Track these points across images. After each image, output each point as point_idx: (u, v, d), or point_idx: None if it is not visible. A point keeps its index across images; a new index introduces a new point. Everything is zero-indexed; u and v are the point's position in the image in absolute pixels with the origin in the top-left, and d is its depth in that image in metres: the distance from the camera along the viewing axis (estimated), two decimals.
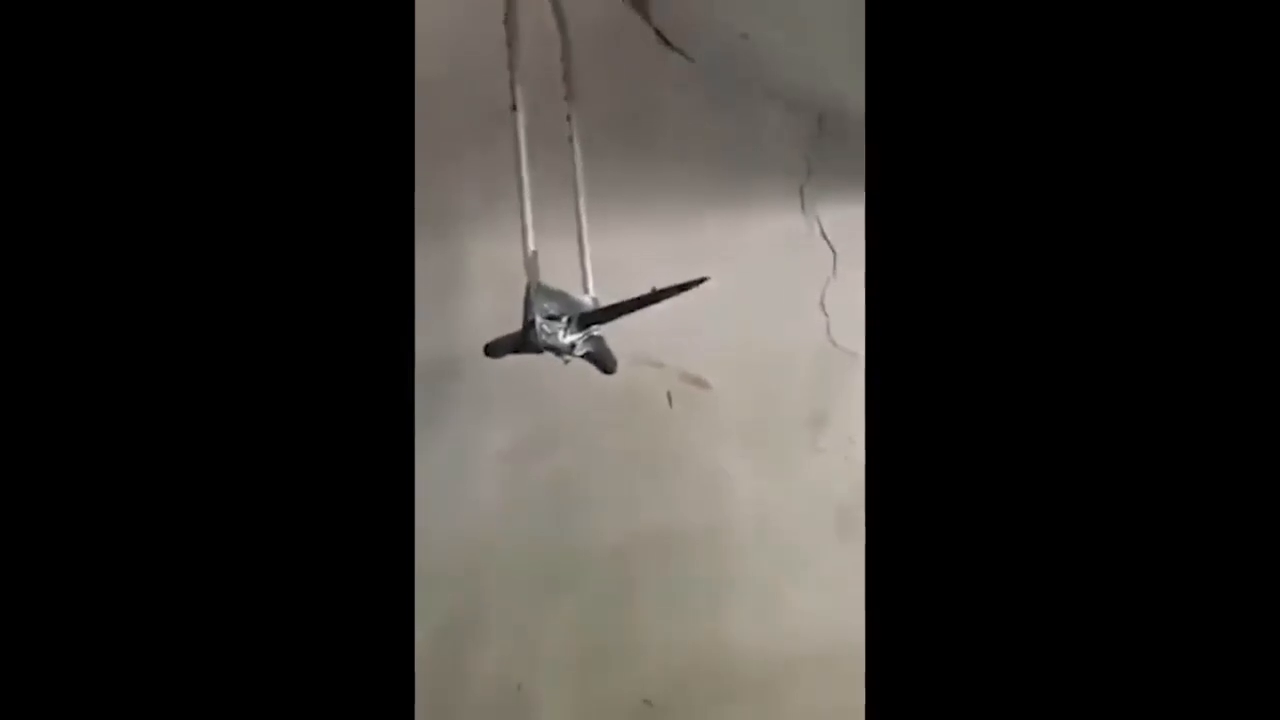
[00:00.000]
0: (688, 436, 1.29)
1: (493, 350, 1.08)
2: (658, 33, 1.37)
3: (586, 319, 1.05)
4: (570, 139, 1.16)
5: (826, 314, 1.27)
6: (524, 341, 1.02)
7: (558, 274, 1.08)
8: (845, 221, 1.26)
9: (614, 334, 1.09)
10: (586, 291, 1.10)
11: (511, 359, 1.08)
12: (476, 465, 1.31)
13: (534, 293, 1.03)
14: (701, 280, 0.99)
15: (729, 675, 1.28)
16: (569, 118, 1.17)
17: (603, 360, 1.08)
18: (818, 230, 1.28)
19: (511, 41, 1.09)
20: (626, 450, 1.30)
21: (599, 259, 1.13)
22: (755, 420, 1.28)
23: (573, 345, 1.04)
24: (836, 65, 1.06)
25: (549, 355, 1.05)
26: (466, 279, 1.36)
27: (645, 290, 1.04)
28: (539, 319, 1.01)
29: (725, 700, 1.27)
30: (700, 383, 1.28)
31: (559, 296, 1.06)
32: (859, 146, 1.21)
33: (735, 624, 1.27)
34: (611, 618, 1.30)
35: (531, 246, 1.04)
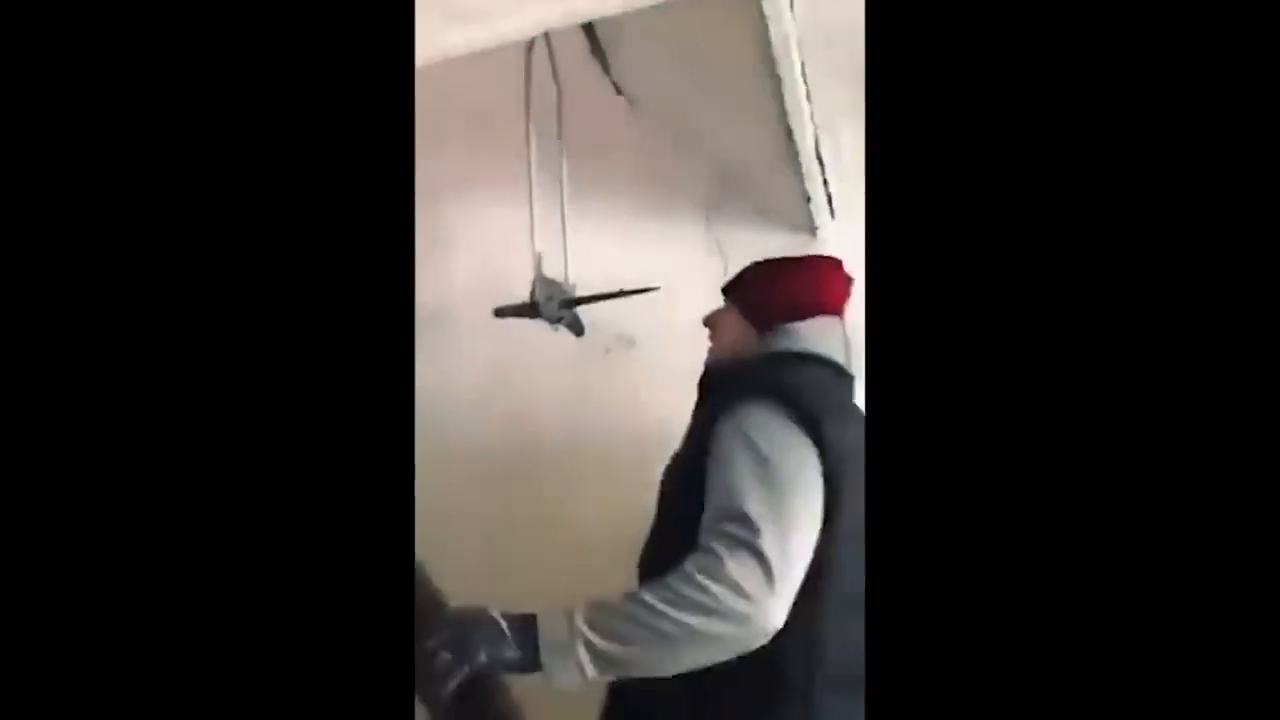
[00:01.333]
0: (615, 378, 1.81)
1: (501, 313, 1.56)
2: (613, 84, 1.85)
3: (569, 301, 1.46)
4: (561, 166, 1.56)
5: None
6: (530, 311, 1.45)
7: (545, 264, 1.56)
8: (740, 240, 1.70)
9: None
10: (567, 279, 1.51)
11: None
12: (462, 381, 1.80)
13: (537, 280, 1.48)
14: (652, 289, 1.48)
15: None
16: (561, 152, 1.61)
17: (576, 327, 1.50)
18: (717, 247, 1.72)
19: (527, 96, 1.47)
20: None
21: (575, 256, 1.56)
22: (663, 368, 1.73)
23: (561, 318, 1.46)
24: (739, 119, 1.51)
25: (539, 321, 1.55)
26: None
27: (610, 288, 1.49)
28: (541, 298, 1.47)
29: None
30: (630, 342, 1.81)
31: (552, 284, 1.47)
32: (755, 185, 1.71)
33: None
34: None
35: (537, 248, 1.48)
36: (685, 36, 1.28)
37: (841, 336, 1.31)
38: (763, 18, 1.07)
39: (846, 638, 1.07)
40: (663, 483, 1.27)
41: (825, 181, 1.54)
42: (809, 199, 1.56)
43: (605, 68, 1.81)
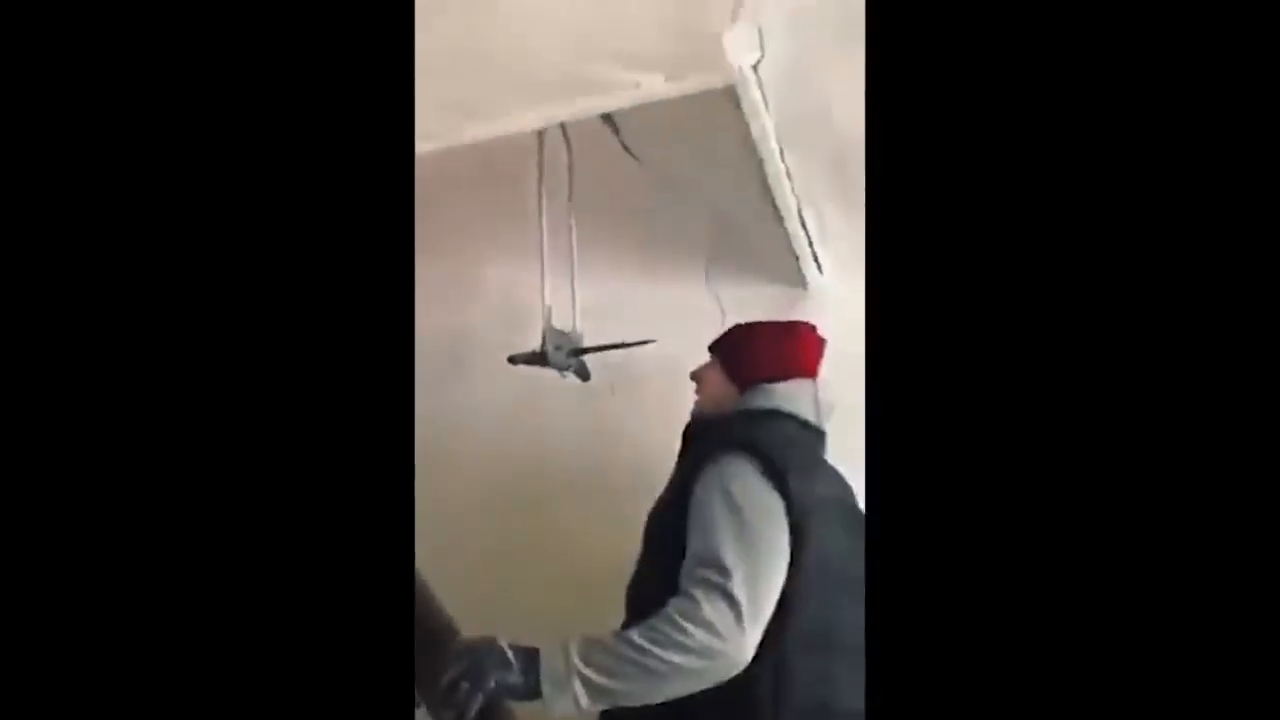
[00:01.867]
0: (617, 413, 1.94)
1: (513, 360, 1.70)
2: (623, 145, 2.00)
3: (576, 350, 1.58)
4: (570, 228, 1.68)
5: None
6: (540, 360, 1.55)
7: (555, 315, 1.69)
8: (736, 294, 1.82)
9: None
10: (575, 330, 1.63)
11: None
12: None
13: (548, 330, 1.57)
14: (649, 341, 1.61)
15: None
16: (570, 210, 1.70)
17: (582, 373, 1.61)
18: (715, 299, 1.84)
19: (540, 158, 1.59)
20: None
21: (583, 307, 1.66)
22: (659, 408, 1.82)
23: (569, 365, 1.58)
24: (732, 189, 1.66)
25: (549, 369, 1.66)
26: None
27: (616, 338, 1.61)
28: (550, 348, 1.57)
29: None
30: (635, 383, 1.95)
31: (560, 334, 1.58)
32: (750, 245, 1.83)
33: None
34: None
35: (547, 301, 1.59)
36: (684, 118, 1.42)
37: (813, 397, 1.43)
38: (740, 111, 1.22)
39: (810, 666, 1.22)
40: (648, 524, 1.40)
41: (810, 243, 1.68)
42: (798, 258, 1.71)
43: (615, 129, 1.96)
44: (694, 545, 1.21)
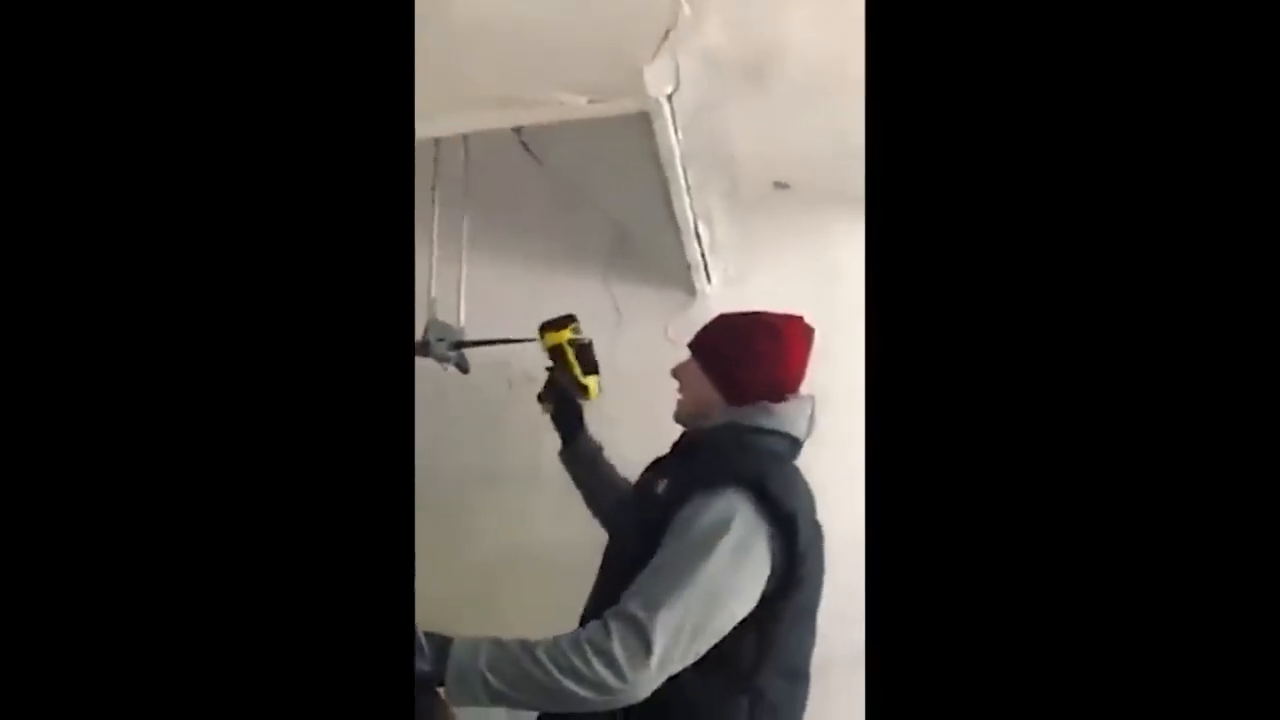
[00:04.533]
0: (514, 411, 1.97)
1: None
2: (523, 144, 2.05)
3: (458, 344, 1.55)
4: (462, 222, 1.65)
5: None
6: (420, 350, 1.50)
7: (440, 308, 1.66)
8: (632, 295, 1.93)
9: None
10: (460, 323, 1.60)
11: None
12: None
13: (431, 322, 1.53)
14: (531, 339, 1.59)
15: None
16: (465, 203, 1.72)
17: (463, 366, 1.57)
18: (611, 300, 1.93)
19: (436, 149, 1.57)
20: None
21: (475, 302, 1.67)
22: None
23: (449, 358, 1.53)
24: (633, 199, 1.76)
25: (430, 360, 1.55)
26: None
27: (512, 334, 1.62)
28: (432, 339, 1.51)
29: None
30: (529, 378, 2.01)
31: (444, 327, 1.54)
32: (647, 248, 1.91)
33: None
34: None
35: (433, 293, 1.56)
36: (592, 133, 1.49)
37: (810, 415, 1.34)
38: (652, 134, 1.31)
39: (783, 693, 1.23)
40: (619, 523, 1.36)
41: (702, 254, 1.80)
42: (690, 266, 1.83)
43: (518, 129, 2.01)
44: (646, 574, 1.14)
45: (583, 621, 1.25)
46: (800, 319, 1.37)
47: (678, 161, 1.39)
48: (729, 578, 1.13)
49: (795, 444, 1.33)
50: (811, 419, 1.34)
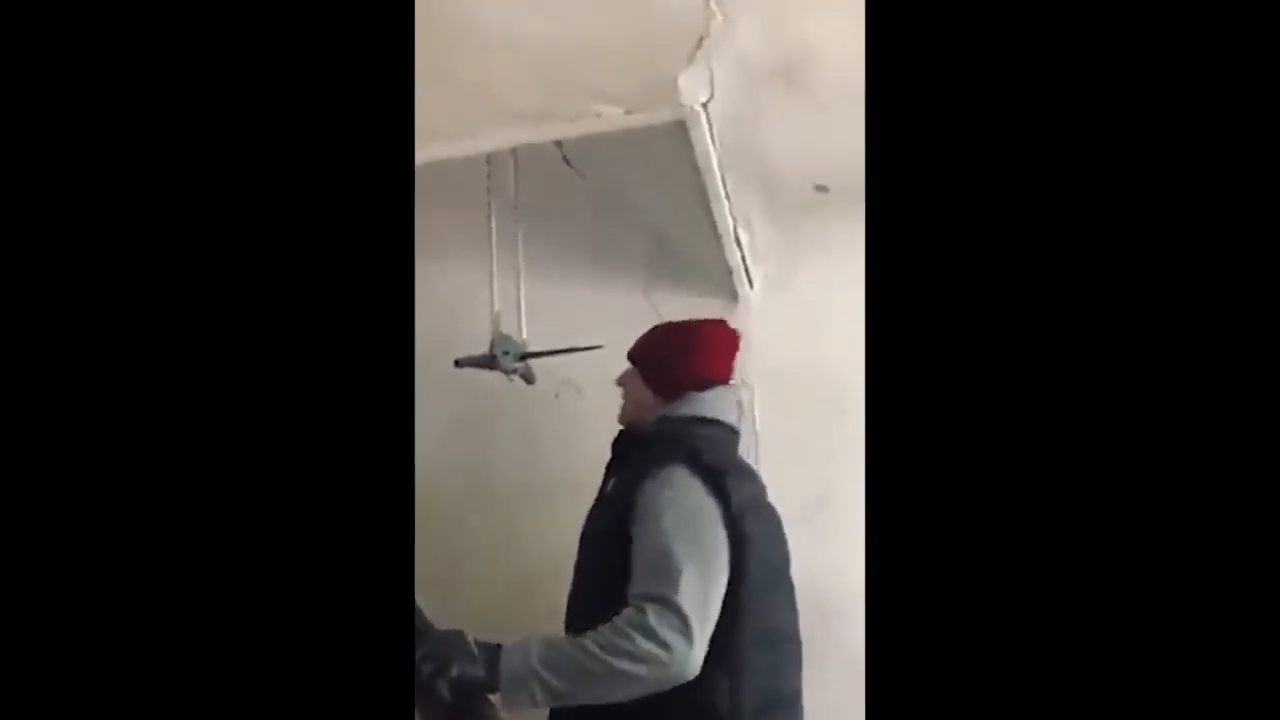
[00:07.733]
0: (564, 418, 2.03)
1: (460, 364, 1.78)
2: (564, 158, 2.09)
3: (523, 355, 1.64)
4: (516, 238, 1.75)
5: None
6: (488, 363, 1.62)
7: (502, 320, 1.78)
8: (673, 303, 1.93)
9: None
10: (522, 335, 1.69)
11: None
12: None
13: (496, 335, 1.64)
14: (597, 347, 1.68)
15: None
16: (517, 219, 1.78)
17: (528, 377, 1.68)
18: (654, 309, 1.93)
19: (488, 174, 1.68)
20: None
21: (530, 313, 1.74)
22: (604, 411, 1.99)
23: (515, 369, 1.65)
24: (673, 206, 1.79)
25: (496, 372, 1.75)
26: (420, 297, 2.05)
27: (561, 344, 1.68)
28: (499, 352, 1.64)
29: None
30: (577, 389, 2.04)
31: (508, 340, 1.64)
32: (688, 255, 1.94)
33: None
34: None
35: (496, 307, 1.67)
36: (631, 143, 1.52)
37: (736, 401, 1.52)
38: (690, 143, 1.33)
39: (760, 663, 1.29)
40: (584, 532, 1.43)
41: (744, 259, 1.81)
42: (731, 272, 1.84)
43: (559, 143, 2.05)
44: (641, 559, 1.25)
45: (567, 629, 1.34)
46: (722, 323, 1.56)
47: (715, 168, 1.41)
48: (705, 535, 1.25)
49: (728, 430, 1.46)
50: (740, 407, 1.51)
